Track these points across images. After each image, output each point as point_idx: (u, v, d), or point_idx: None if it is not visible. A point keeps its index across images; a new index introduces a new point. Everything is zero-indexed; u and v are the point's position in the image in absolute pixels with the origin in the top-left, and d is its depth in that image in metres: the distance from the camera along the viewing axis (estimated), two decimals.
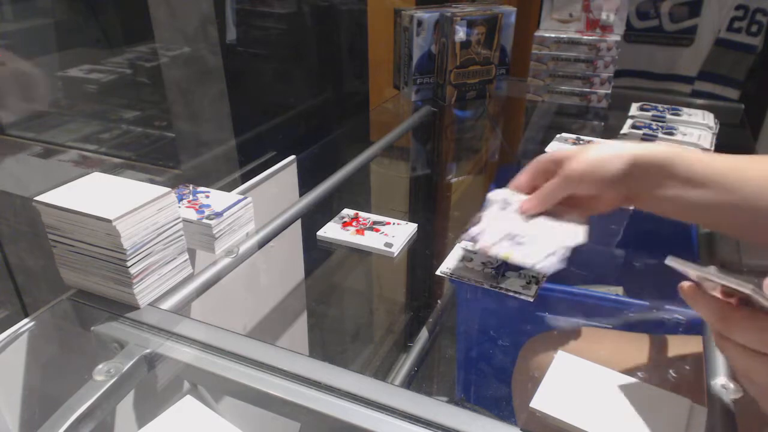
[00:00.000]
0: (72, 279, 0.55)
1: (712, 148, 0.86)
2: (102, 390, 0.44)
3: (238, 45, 1.36)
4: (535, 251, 0.56)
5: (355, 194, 0.91)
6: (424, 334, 0.91)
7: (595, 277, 0.93)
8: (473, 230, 0.59)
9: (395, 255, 0.68)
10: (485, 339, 0.90)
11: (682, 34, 1.34)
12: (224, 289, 0.63)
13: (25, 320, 0.53)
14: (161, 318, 0.51)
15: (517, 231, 0.59)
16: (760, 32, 1.27)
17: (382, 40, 1.39)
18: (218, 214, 0.60)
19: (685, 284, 0.41)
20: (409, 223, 0.73)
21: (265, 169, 0.83)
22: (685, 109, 0.98)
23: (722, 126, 0.94)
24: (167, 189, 0.53)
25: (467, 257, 0.65)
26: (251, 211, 0.65)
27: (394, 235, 0.70)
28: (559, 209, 0.60)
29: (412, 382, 0.88)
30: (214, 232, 0.59)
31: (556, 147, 0.75)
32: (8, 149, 1.12)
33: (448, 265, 0.63)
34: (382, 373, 1.30)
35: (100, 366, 0.46)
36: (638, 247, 0.93)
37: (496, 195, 0.63)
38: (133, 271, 0.50)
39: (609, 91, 1.12)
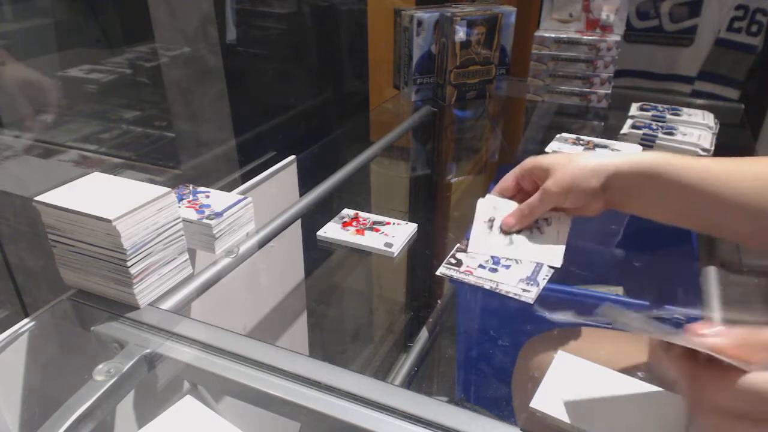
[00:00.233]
0: (72, 279, 0.55)
1: (712, 148, 0.86)
2: (102, 390, 0.44)
3: (238, 45, 1.36)
4: (515, 278, 0.61)
5: (355, 194, 0.91)
6: (424, 334, 0.91)
7: (595, 277, 0.93)
8: (459, 255, 0.64)
9: (395, 255, 0.68)
10: (485, 339, 0.90)
11: (682, 34, 1.34)
12: (224, 289, 0.63)
13: (25, 320, 0.53)
14: (161, 318, 0.51)
15: (501, 253, 0.63)
16: (760, 32, 1.27)
17: (382, 40, 1.39)
18: (218, 214, 0.60)
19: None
20: (409, 223, 0.73)
21: (265, 169, 0.83)
22: (685, 109, 0.98)
23: (722, 126, 0.94)
24: (167, 189, 0.53)
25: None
26: (251, 211, 0.65)
27: (394, 235, 0.70)
28: (546, 212, 0.63)
29: (412, 382, 0.88)
30: (214, 232, 0.59)
31: (556, 147, 0.75)
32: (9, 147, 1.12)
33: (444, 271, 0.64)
34: (382, 373, 1.30)
35: (100, 366, 0.46)
36: (638, 247, 0.93)
37: (483, 206, 0.66)
38: (133, 271, 0.50)
39: (609, 91, 1.12)
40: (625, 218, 0.87)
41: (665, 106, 1.01)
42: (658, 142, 0.88)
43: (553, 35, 1.12)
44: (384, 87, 1.40)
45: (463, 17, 1.07)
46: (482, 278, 0.61)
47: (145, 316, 0.51)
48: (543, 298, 0.60)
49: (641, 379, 0.44)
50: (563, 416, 0.41)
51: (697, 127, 0.92)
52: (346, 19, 1.68)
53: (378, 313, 1.44)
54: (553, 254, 0.63)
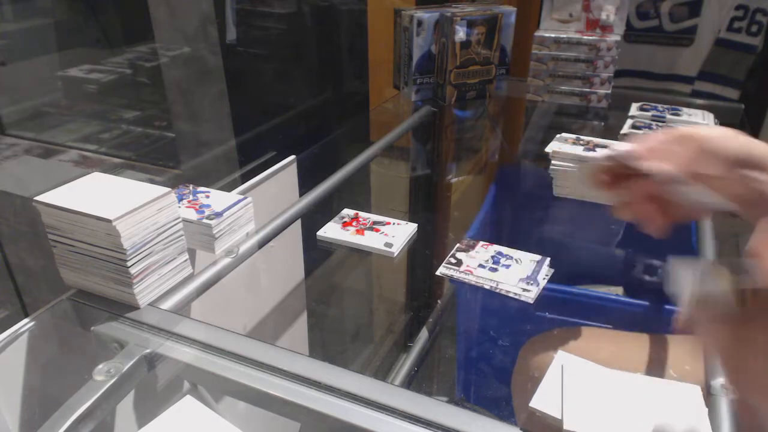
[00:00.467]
0: (72, 279, 0.55)
1: None
2: (102, 390, 0.44)
3: (238, 45, 1.36)
4: (515, 277, 0.60)
5: (355, 194, 0.91)
6: (424, 334, 0.91)
7: (595, 277, 0.93)
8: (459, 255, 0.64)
9: (395, 255, 0.68)
10: (485, 339, 0.90)
11: (682, 34, 1.34)
12: (224, 289, 0.63)
13: (25, 320, 0.53)
14: (161, 318, 0.51)
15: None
16: (760, 32, 1.27)
17: (382, 40, 1.39)
18: (218, 214, 0.60)
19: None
20: (409, 223, 0.73)
21: (265, 169, 0.83)
22: (685, 109, 0.98)
23: (722, 126, 0.94)
24: (167, 189, 0.53)
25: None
26: (251, 211, 0.65)
27: (394, 235, 0.70)
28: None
29: (412, 382, 0.88)
30: (214, 232, 0.59)
31: (556, 147, 0.75)
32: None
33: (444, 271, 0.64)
34: (382, 373, 1.30)
35: (100, 366, 0.46)
36: (638, 247, 0.93)
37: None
38: (133, 271, 0.50)
39: (609, 91, 1.12)
40: None
41: (665, 106, 1.01)
42: None
43: (553, 35, 1.12)
44: (384, 87, 1.40)
45: (463, 17, 1.07)
46: (482, 278, 0.61)
47: (145, 316, 0.51)
48: (543, 298, 0.60)
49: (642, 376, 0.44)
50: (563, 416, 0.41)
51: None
52: (346, 19, 1.68)
53: (378, 313, 1.44)
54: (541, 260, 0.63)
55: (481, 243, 0.68)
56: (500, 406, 0.83)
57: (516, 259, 0.64)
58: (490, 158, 1.28)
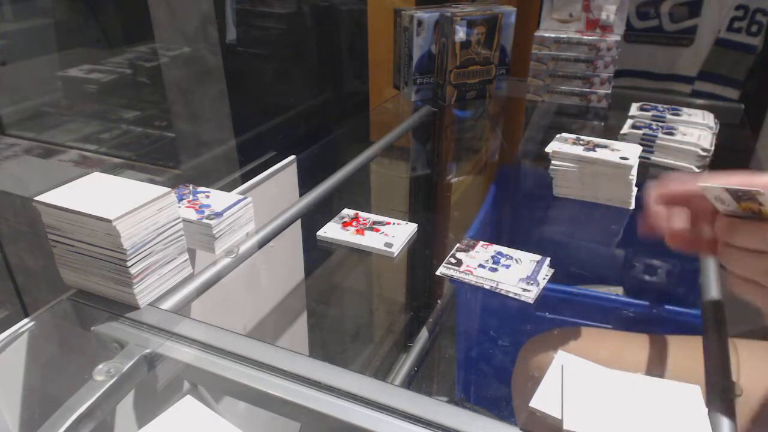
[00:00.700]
0: (72, 279, 0.55)
1: (712, 149, 0.86)
2: (102, 390, 0.44)
3: (238, 45, 1.36)
4: (515, 277, 0.60)
5: (355, 194, 0.91)
6: (424, 334, 0.91)
7: (595, 277, 0.93)
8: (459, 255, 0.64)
9: (395, 255, 0.68)
10: (485, 339, 0.90)
11: (682, 34, 1.34)
12: (224, 289, 0.63)
13: (25, 320, 0.53)
14: (161, 318, 0.51)
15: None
16: (760, 32, 1.27)
17: (382, 40, 1.39)
18: (218, 214, 0.60)
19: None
20: (409, 223, 0.73)
21: (265, 169, 0.83)
22: (685, 109, 0.98)
23: (722, 126, 0.94)
24: (167, 189, 0.53)
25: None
26: (251, 211, 0.65)
27: (394, 235, 0.70)
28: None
29: (412, 382, 0.88)
30: (214, 232, 0.59)
31: (556, 147, 0.75)
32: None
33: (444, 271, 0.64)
34: (382, 373, 1.30)
35: (100, 366, 0.46)
36: (638, 247, 0.93)
37: None
38: (133, 271, 0.50)
39: (609, 91, 1.12)
40: (625, 218, 0.87)
41: (665, 106, 1.00)
42: (658, 142, 0.88)
43: (553, 35, 1.12)
44: (384, 87, 1.40)
45: (463, 17, 1.07)
46: (482, 278, 0.61)
47: (145, 316, 0.51)
48: (543, 298, 0.60)
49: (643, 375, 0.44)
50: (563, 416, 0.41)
51: (697, 127, 0.92)
52: (346, 19, 1.68)
53: (378, 313, 1.44)
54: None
55: (481, 243, 0.68)
56: (500, 406, 0.83)
57: (516, 259, 0.64)
58: (490, 158, 1.28)
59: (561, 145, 0.76)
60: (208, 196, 0.64)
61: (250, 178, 0.80)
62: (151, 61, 1.27)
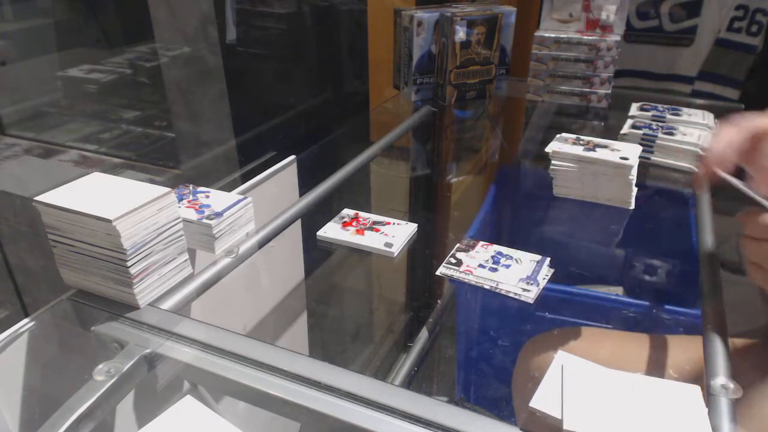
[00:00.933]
0: (72, 279, 0.55)
1: None
2: (102, 390, 0.44)
3: (238, 45, 1.36)
4: (515, 277, 0.61)
5: (355, 194, 0.91)
6: (424, 334, 0.91)
7: (595, 277, 0.93)
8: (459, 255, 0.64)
9: (395, 255, 0.68)
10: (485, 339, 0.90)
11: (682, 34, 1.34)
12: (224, 289, 0.63)
13: (25, 320, 0.53)
14: (161, 318, 0.51)
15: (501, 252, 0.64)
16: (760, 32, 1.27)
17: (382, 40, 1.39)
18: (218, 214, 0.60)
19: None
20: (409, 223, 0.73)
21: (265, 169, 0.83)
22: (685, 109, 0.98)
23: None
24: (167, 189, 0.53)
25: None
26: (251, 211, 0.65)
27: (394, 235, 0.70)
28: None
29: (412, 382, 0.88)
30: (214, 232, 0.59)
31: (556, 147, 0.75)
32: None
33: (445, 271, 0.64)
34: (382, 373, 1.30)
35: (100, 366, 0.46)
36: (638, 247, 0.93)
37: None
38: (133, 271, 0.50)
39: (609, 91, 1.12)
40: (625, 218, 0.87)
41: (665, 106, 1.01)
42: (658, 142, 0.88)
43: (553, 35, 1.12)
44: (384, 87, 1.40)
45: (463, 17, 1.07)
46: (482, 278, 0.61)
47: (145, 316, 0.51)
48: (543, 298, 0.60)
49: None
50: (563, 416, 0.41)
51: (697, 127, 0.92)
52: (346, 19, 1.68)
53: (378, 313, 1.44)
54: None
55: (481, 243, 0.68)
56: (500, 406, 0.83)
57: (516, 259, 0.64)
58: (490, 158, 1.28)
59: (561, 145, 0.76)
60: (208, 196, 0.64)
61: (250, 178, 0.80)
62: (151, 61, 1.27)
